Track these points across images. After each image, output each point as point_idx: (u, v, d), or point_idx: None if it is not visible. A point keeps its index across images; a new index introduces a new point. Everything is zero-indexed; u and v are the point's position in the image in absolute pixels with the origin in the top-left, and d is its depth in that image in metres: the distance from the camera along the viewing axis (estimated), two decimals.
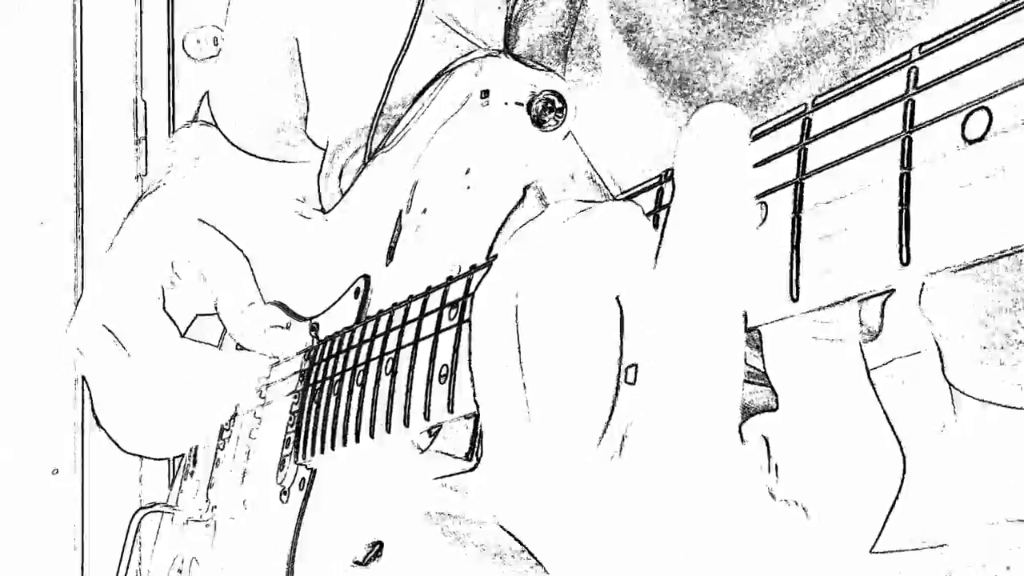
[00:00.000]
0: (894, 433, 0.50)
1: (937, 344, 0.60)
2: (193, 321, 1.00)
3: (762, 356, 0.51)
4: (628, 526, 0.50)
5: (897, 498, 0.49)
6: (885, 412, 0.50)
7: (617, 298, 0.51)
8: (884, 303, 0.62)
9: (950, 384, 0.61)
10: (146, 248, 0.98)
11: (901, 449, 0.49)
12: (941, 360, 0.61)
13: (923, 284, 0.60)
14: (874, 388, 0.50)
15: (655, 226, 0.52)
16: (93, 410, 0.98)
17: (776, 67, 0.63)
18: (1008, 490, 0.61)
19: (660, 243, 0.50)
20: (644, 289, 0.50)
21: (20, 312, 1.34)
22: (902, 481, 0.49)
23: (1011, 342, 0.58)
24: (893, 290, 0.42)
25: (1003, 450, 0.61)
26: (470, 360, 0.56)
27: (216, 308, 0.96)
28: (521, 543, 0.54)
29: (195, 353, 0.95)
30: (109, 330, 0.95)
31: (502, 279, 0.54)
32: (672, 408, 0.48)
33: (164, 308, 0.96)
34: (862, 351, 0.50)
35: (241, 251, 0.97)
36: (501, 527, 0.54)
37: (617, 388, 0.50)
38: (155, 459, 1.02)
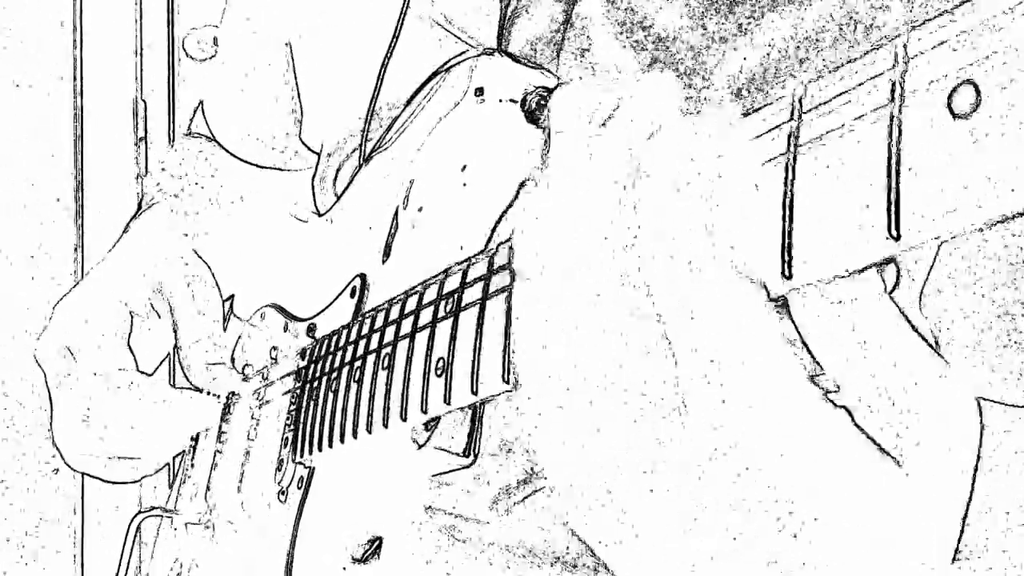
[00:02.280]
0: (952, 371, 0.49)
1: (937, 343, 0.60)
2: (166, 358, 1.00)
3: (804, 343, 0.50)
4: (711, 479, 0.49)
5: (980, 446, 0.49)
6: (938, 352, 0.49)
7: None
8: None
9: None
10: (123, 275, 0.98)
11: (978, 405, 0.49)
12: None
13: (923, 285, 0.61)
14: (922, 335, 0.49)
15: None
16: (51, 423, 0.98)
17: (770, 62, 0.63)
18: (1006, 486, 0.61)
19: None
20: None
21: (20, 312, 1.34)
22: (981, 426, 0.49)
23: (1011, 340, 0.58)
24: (884, 262, 0.43)
25: (1001, 447, 0.61)
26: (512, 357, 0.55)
27: (176, 338, 0.97)
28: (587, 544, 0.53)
29: (149, 389, 0.96)
30: (70, 351, 0.96)
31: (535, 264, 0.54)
32: (719, 365, 0.48)
33: (128, 341, 0.97)
34: (893, 302, 0.50)
35: (218, 286, 0.97)
36: (572, 532, 0.54)
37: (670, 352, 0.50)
38: (104, 481, 1.02)
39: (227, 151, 1.02)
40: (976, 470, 0.49)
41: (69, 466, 0.99)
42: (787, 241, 0.45)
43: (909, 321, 0.50)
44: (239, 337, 0.96)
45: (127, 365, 0.97)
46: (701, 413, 0.48)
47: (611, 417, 0.51)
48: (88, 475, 1.00)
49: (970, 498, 0.49)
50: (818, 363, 0.50)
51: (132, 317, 0.97)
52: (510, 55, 0.72)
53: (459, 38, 0.78)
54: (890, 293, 0.62)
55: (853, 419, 0.49)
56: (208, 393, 0.97)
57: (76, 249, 1.37)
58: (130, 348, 0.97)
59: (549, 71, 0.70)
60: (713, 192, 0.48)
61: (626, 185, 0.50)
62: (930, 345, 0.49)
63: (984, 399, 0.59)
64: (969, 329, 0.58)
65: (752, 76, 0.63)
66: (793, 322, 0.50)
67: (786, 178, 0.46)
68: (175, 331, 0.97)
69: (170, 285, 0.97)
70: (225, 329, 0.98)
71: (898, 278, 0.63)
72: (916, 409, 0.48)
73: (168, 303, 0.97)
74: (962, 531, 0.49)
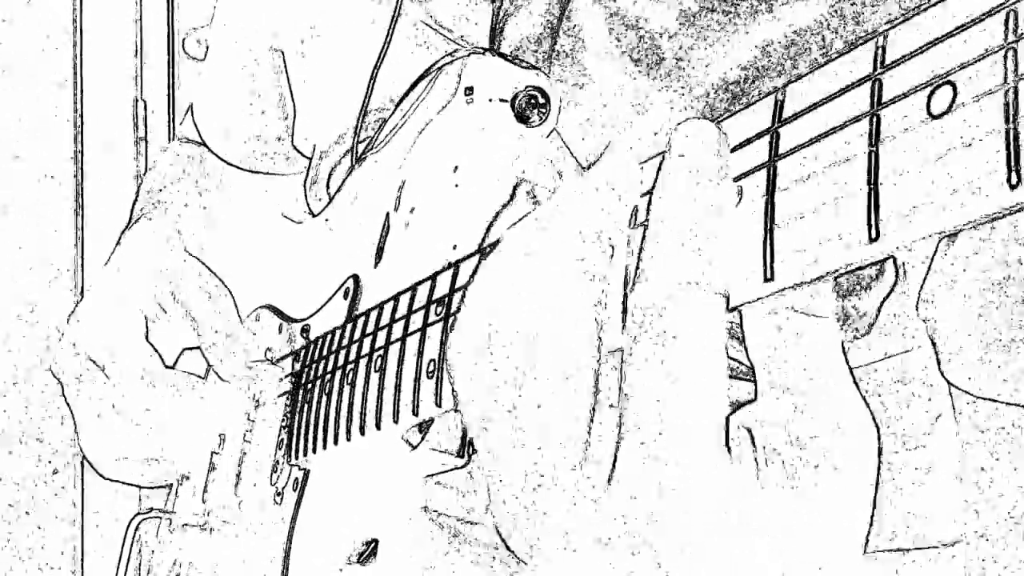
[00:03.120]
0: (867, 407, 0.50)
1: (933, 343, 0.60)
2: (181, 355, 1.00)
3: (743, 338, 0.51)
4: (629, 549, 0.50)
5: (879, 474, 0.49)
6: (858, 386, 0.50)
7: (596, 317, 0.52)
8: (881, 304, 0.62)
9: (948, 382, 0.61)
10: (131, 281, 0.98)
11: (874, 420, 0.50)
12: (938, 358, 0.60)
13: (921, 285, 0.60)
14: (848, 365, 0.50)
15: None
16: (76, 439, 0.98)
17: (760, 63, 0.63)
18: (1007, 486, 0.61)
19: (639, 262, 0.50)
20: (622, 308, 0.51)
21: (20, 312, 1.34)
22: (879, 452, 0.50)
23: (1010, 339, 0.58)
24: (867, 265, 0.43)
25: (1002, 446, 0.61)
26: (452, 389, 0.56)
27: (200, 343, 0.97)
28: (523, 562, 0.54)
29: (179, 382, 0.96)
30: (92, 360, 0.96)
31: (478, 312, 0.54)
32: (658, 425, 0.49)
33: (148, 338, 0.97)
34: (848, 323, 0.50)
35: (226, 286, 0.97)
36: (509, 550, 0.55)
37: (594, 409, 0.51)
38: (138, 487, 1.01)
39: (217, 156, 1.02)
40: (877, 484, 0.50)
41: (104, 476, 0.98)
42: (768, 244, 0.45)
43: (848, 364, 0.50)
44: (267, 350, 0.96)
45: (153, 361, 0.96)
46: (627, 481, 0.49)
47: (547, 469, 0.51)
48: (125, 483, 0.99)
49: (873, 511, 0.50)
50: (751, 369, 0.50)
51: (146, 320, 0.97)
52: (502, 55, 0.72)
53: (449, 39, 0.78)
54: (885, 299, 0.62)
55: (753, 440, 0.50)
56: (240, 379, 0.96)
57: (76, 249, 1.37)
58: (152, 345, 0.97)
59: (541, 71, 0.70)
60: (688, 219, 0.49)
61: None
62: (858, 386, 0.50)
63: (982, 397, 0.59)
64: (966, 328, 0.58)
65: (742, 77, 0.63)
66: (742, 329, 0.50)
67: (768, 180, 0.46)
68: (196, 332, 0.97)
69: (181, 288, 0.97)
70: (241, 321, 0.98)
71: (896, 280, 0.63)
72: (822, 428, 0.49)
73: (183, 305, 0.97)
74: (867, 541, 0.50)
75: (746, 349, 0.50)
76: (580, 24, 0.70)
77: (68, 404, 0.97)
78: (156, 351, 0.97)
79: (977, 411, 0.61)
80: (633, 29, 0.67)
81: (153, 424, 0.95)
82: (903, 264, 0.63)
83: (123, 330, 0.96)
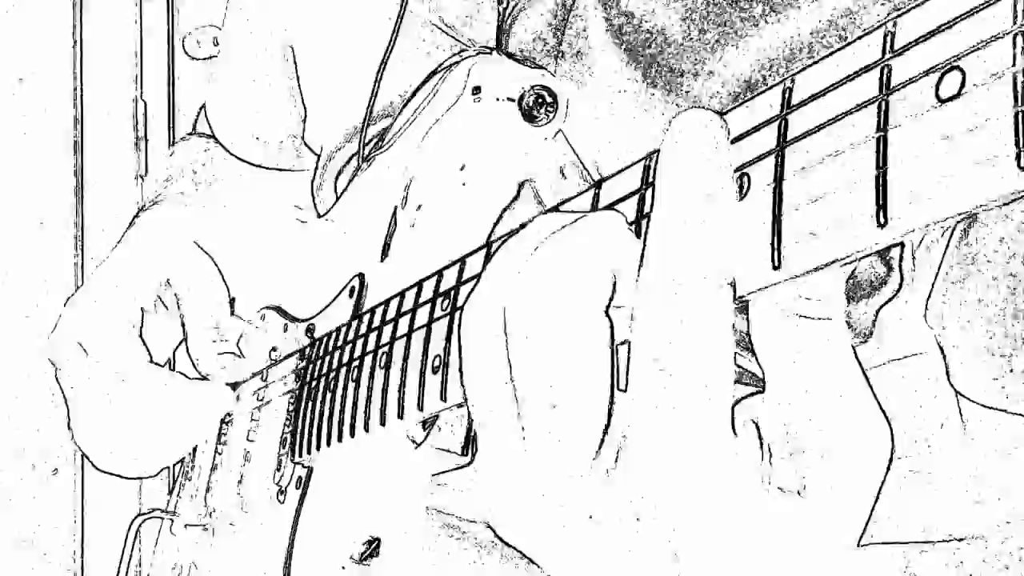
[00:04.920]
0: (881, 409, 0.50)
1: (942, 351, 0.60)
2: (177, 347, 1.00)
3: (749, 335, 0.51)
4: (630, 536, 0.50)
5: (887, 474, 0.50)
6: (871, 387, 0.50)
7: (607, 309, 0.51)
8: (879, 309, 0.63)
9: (957, 391, 0.61)
10: (133, 269, 0.98)
11: (888, 424, 0.50)
12: (946, 367, 0.60)
13: (929, 294, 0.61)
14: (860, 365, 0.50)
15: (637, 235, 0.52)
16: (68, 424, 0.98)
17: (766, 66, 0.63)
18: (1016, 492, 0.61)
19: (643, 251, 0.50)
20: (631, 297, 0.51)
21: (19, 312, 1.34)
22: (891, 456, 0.50)
23: (1020, 348, 0.58)
24: (876, 252, 0.43)
25: (1012, 455, 0.61)
26: (462, 377, 0.56)
27: (183, 331, 0.97)
28: (526, 556, 0.54)
29: (160, 380, 0.96)
30: (83, 348, 0.96)
31: (489, 296, 0.54)
32: (664, 412, 0.49)
33: (140, 333, 0.97)
34: (849, 329, 0.50)
35: (225, 283, 0.97)
36: (505, 542, 0.54)
37: (612, 400, 0.51)
38: (127, 479, 1.01)
39: (229, 152, 1.02)
40: (881, 489, 0.50)
41: (96, 467, 0.98)
42: (776, 232, 0.45)
43: (858, 360, 0.50)
44: (240, 337, 0.96)
45: (141, 358, 0.96)
46: (631, 471, 0.49)
47: (565, 461, 0.51)
48: (117, 476, 0.99)
49: (871, 514, 0.50)
50: (753, 354, 0.51)
51: (143, 312, 0.97)
52: (509, 54, 0.73)
53: (456, 39, 0.79)
54: (888, 300, 0.62)
55: (759, 432, 0.50)
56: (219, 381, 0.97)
57: (76, 249, 1.37)
58: (143, 341, 0.97)
59: (548, 71, 0.70)
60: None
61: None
62: (871, 387, 0.50)
63: (991, 407, 0.59)
64: (977, 335, 0.58)
65: (749, 81, 0.63)
66: (747, 324, 0.50)
67: (776, 167, 0.46)
68: (182, 324, 0.97)
69: (176, 279, 0.97)
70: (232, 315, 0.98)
71: (900, 286, 0.63)
72: (834, 429, 0.49)
73: (175, 296, 0.97)
74: (861, 536, 0.50)
75: (755, 355, 0.50)
76: (585, 25, 0.70)
77: (61, 388, 0.97)
78: (146, 347, 0.97)
79: (977, 415, 0.61)
80: (638, 32, 0.68)
81: (142, 420, 0.95)
82: (910, 270, 0.63)
83: (117, 322, 0.96)
